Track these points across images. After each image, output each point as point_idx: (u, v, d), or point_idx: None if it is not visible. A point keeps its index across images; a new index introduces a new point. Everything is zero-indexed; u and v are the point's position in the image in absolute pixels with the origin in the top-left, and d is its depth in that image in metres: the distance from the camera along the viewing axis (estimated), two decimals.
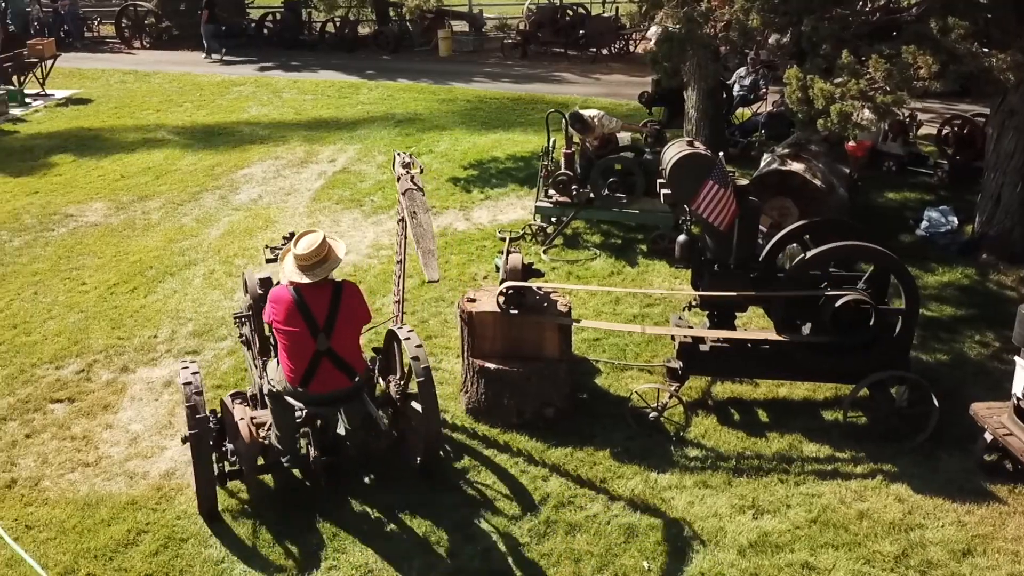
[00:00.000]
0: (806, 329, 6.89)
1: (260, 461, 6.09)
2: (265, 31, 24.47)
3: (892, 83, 6.91)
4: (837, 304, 6.50)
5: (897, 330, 6.67)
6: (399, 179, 6.66)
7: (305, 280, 5.61)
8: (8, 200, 12.12)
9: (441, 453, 6.55)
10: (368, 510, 6.12)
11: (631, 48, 22.38)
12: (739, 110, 14.58)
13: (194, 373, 5.83)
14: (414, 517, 6.05)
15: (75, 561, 5.73)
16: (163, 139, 15.09)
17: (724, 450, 6.69)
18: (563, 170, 10.40)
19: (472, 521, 6.01)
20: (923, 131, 13.51)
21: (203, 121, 16.24)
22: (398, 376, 6.50)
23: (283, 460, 6.04)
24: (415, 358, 6.03)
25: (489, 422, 6.98)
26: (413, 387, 6.26)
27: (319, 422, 6.07)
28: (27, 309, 9.00)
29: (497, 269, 7.35)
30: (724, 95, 13.73)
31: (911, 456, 6.54)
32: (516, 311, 6.82)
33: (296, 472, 6.33)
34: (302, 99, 17.91)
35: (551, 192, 10.48)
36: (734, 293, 6.82)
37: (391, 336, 6.52)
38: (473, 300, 7.07)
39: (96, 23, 26.60)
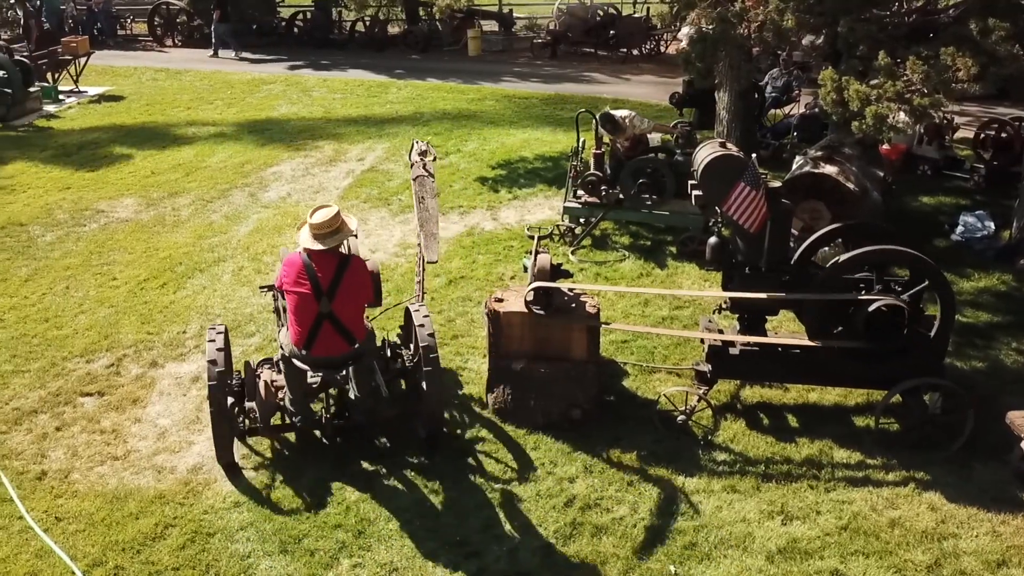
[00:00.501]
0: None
1: (276, 420, 6.48)
2: (295, 30, 24.60)
3: (930, 85, 6.81)
4: (870, 309, 6.40)
5: (932, 336, 6.56)
6: (412, 165, 7.10)
7: (318, 247, 6.02)
8: (41, 196, 12.25)
9: (445, 430, 6.83)
10: (394, 509, 6.11)
11: (662, 49, 22.26)
12: (771, 112, 14.44)
13: (219, 333, 6.42)
14: (440, 517, 6.04)
15: (103, 553, 5.77)
16: (193, 136, 15.20)
17: (753, 455, 6.61)
18: (592, 170, 10.35)
19: (498, 521, 5.99)
20: (959, 134, 13.31)
21: (233, 119, 16.35)
22: (412, 351, 6.72)
23: (295, 420, 6.41)
24: (421, 328, 6.44)
25: (515, 423, 6.95)
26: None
27: (333, 389, 6.57)
28: (59, 303, 9.09)
29: (525, 269, 7.31)
30: (756, 96, 13.60)
31: (944, 465, 6.43)
32: (544, 312, 6.78)
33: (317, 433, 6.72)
34: (331, 98, 17.98)
35: (580, 193, 10.43)
36: (764, 296, 6.73)
37: (407, 313, 6.85)
38: (501, 300, 7.04)
39: (129, 21, 26.86)
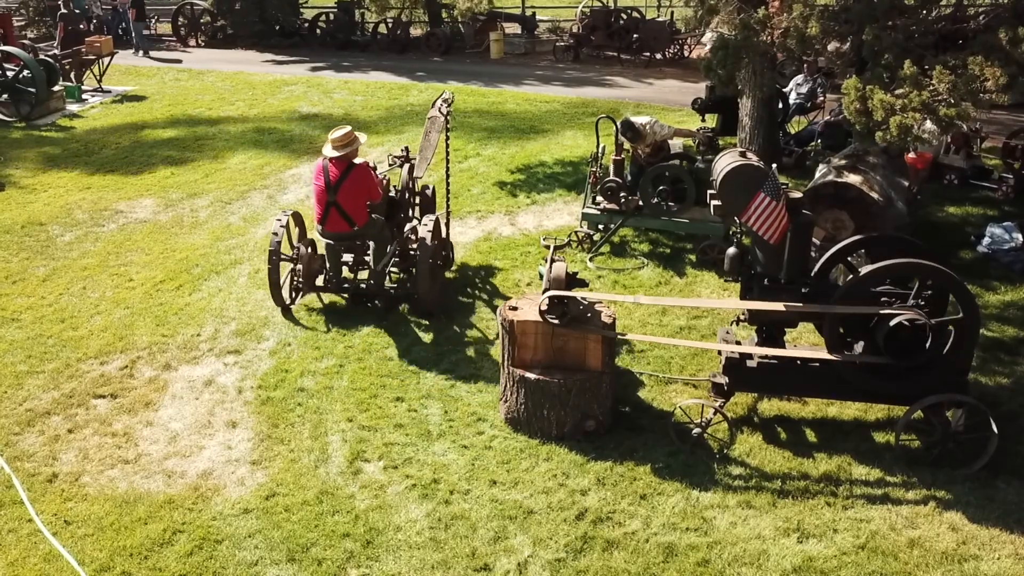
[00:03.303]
0: (859, 348, 6.65)
1: (320, 283, 8.79)
2: (318, 31, 24.64)
3: (956, 95, 6.65)
4: (891, 323, 6.26)
5: (955, 351, 6.41)
6: (432, 105, 9.24)
7: (333, 154, 8.33)
8: (61, 195, 12.31)
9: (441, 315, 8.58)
10: (403, 519, 6.05)
11: (685, 53, 22.09)
12: (795, 118, 14.26)
13: (283, 225, 8.58)
14: (449, 528, 5.97)
15: (111, 559, 5.75)
16: (214, 137, 15.23)
17: (769, 470, 6.49)
18: (612, 177, 10.24)
19: (508, 533, 5.90)
20: (987, 144, 13.08)
21: (254, 120, 16.37)
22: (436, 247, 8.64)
23: (327, 280, 8.73)
24: (424, 227, 8.42)
25: (528, 432, 6.87)
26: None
27: (352, 262, 8.84)
28: (75, 304, 9.10)
29: (541, 277, 7.22)
30: (780, 103, 13.43)
31: (966, 484, 6.28)
32: (559, 321, 6.69)
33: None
34: (352, 100, 17.97)
35: (599, 199, 10.33)
36: (783, 308, 6.60)
37: (435, 221, 8.72)
38: (515, 308, 6.96)
39: (153, 21, 27.04)
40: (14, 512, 6.16)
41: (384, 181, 9.01)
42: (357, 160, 8.48)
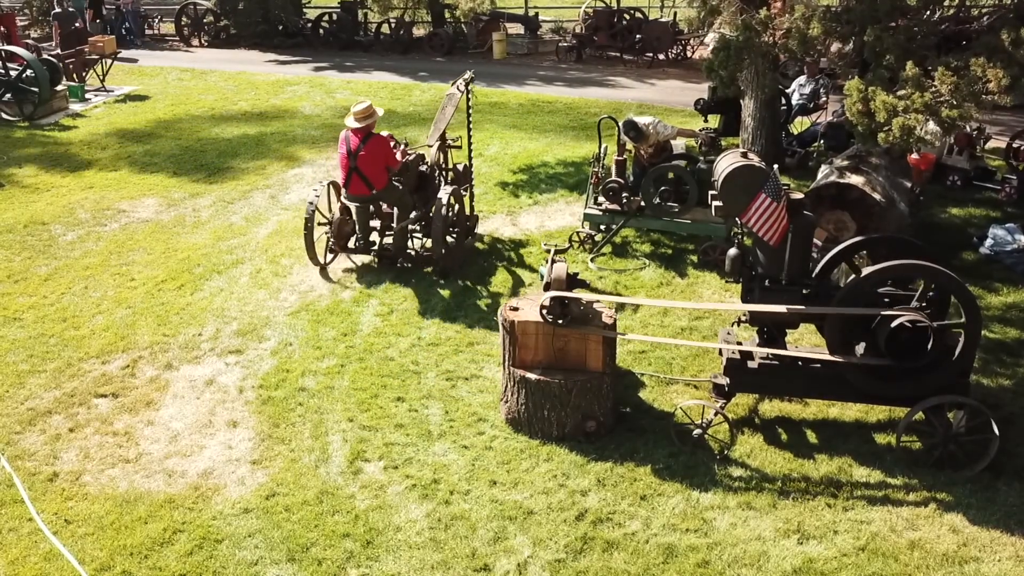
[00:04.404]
0: (860, 349, 6.64)
1: (352, 245, 9.84)
2: (321, 31, 24.64)
3: (959, 96, 6.64)
4: (893, 325, 6.25)
5: (956, 353, 6.39)
6: (452, 84, 10.29)
7: (355, 124, 9.35)
8: (64, 195, 12.33)
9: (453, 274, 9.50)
10: (403, 520, 6.05)
11: (688, 54, 22.08)
12: (798, 119, 14.24)
13: (318, 196, 9.64)
14: (449, 528, 5.96)
15: (111, 558, 5.76)
16: (217, 137, 15.24)
17: (770, 471, 6.48)
18: (614, 177, 10.23)
19: (508, 534, 5.90)
20: (991, 144, 13.05)
21: (257, 120, 16.38)
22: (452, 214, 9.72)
23: (357, 241, 9.79)
24: (440, 197, 9.39)
25: (529, 433, 6.87)
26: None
27: (379, 227, 9.88)
28: (77, 303, 9.11)
29: (542, 278, 7.22)
30: (783, 104, 13.42)
31: (967, 485, 6.27)
32: (559, 321, 6.69)
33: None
34: (356, 100, 17.88)
35: (601, 199, 10.32)
36: (784, 309, 6.59)
37: (453, 192, 9.73)
38: (516, 309, 6.95)
39: (156, 21, 27.06)
40: (15, 511, 6.17)
41: (412, 156, 10.01)
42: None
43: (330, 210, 9.82)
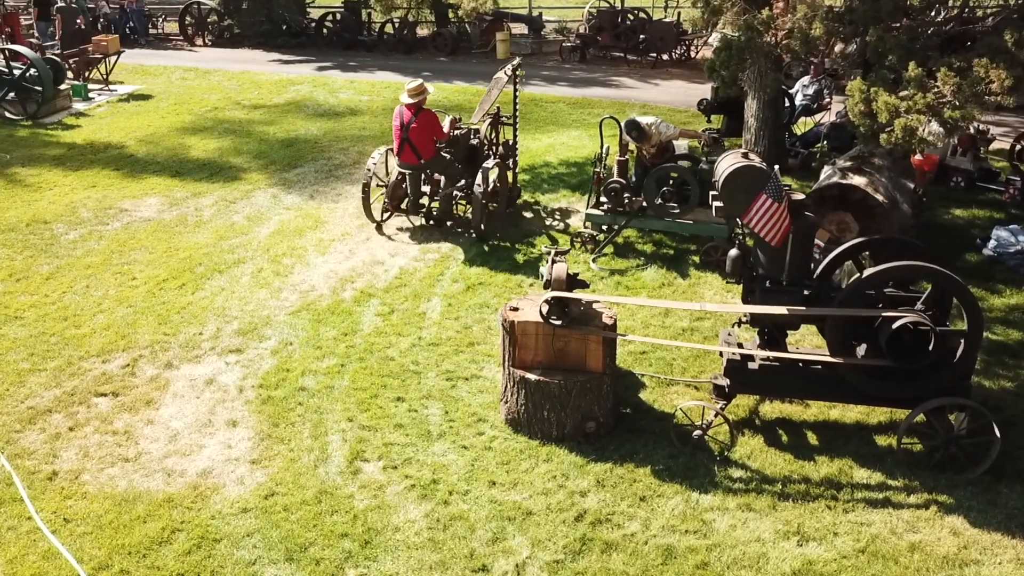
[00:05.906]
0: (861, 351, 6.62)
1: (404, 206, 11.04)
2: (325, 31, 24.65)
3: (962, 97, 6.61)
4: (894, 326, 6.22)
5: (958, 355, 6.37)
6: (501, 69, 11.36)
7: (408, 100, 10.39)
8: (67, 193, 12.33)
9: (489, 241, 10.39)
10: (402, 520, 6.04)
11: (692, 54, 22.06)
12: (801, 120, 14.21)
13: (375, 163, 10.89)
14: (448, 529, 5.95)
15: (109, 557, 5.75)
16: (219, 136, 15.24)
17: (770, 472, 6.46)
18: (616, 177, 10.22)
19: (507, 535, 5.89)
20: (995, 145, 13.00)
21: (260, 119, 16.38)
22: (486, 186, 10.53)
23: (408, 203, 10.92)
24: (482, 170, 10.38)
25: (528, 433, 6.85)
26: None
27: (428, 191, 11.00)
28: (78, 302, 9.12)
29: (542, 278, 7.21)
30: (786, 104, 13.39)
31: (968, 488, 6.24)
32: (559, 322, 6.67)
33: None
34: (358, 100, 17.97)
35: (603, 199, 10.30)
36: (784, 311, 6.57)
37: (494, 166, 10.85)
38: (516, 309, 6.94)
39: (160, 20, 27.09)
40: (14, 510, 6.16)
41: (464, 130, 11.14)
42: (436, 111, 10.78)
43: (386, 174, 11.12)
